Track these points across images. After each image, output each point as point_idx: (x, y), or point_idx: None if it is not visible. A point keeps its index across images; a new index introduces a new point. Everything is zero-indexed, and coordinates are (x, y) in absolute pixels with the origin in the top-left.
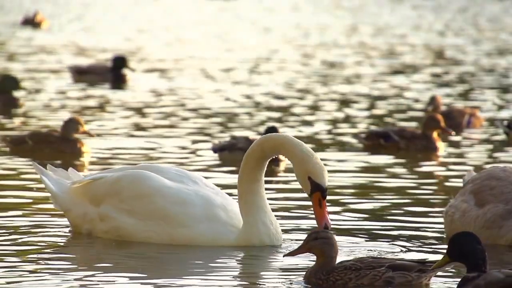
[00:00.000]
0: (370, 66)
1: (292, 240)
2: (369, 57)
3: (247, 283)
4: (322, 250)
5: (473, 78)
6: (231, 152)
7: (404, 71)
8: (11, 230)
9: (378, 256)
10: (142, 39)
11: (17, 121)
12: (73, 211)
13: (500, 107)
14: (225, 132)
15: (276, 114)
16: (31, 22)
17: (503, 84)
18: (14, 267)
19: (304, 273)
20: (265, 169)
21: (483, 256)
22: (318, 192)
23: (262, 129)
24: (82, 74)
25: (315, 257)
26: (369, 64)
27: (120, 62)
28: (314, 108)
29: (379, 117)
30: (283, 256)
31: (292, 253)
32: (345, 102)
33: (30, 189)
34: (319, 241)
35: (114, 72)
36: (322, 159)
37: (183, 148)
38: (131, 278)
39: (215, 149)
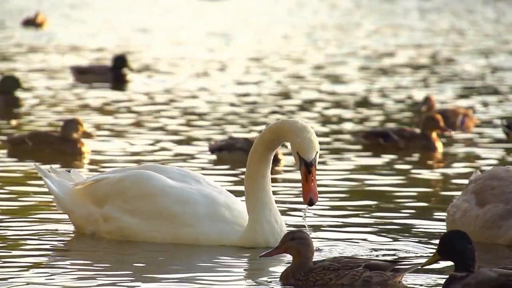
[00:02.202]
0: (365, 66)
1: None
2: (363, 57)
3: (244, 282)
4: (298, 250)
5: (466, 77)
6: (230, 152)
7: (397, 71)
8: (13, 231)
9: (350, 255)
10: (139, 39)
11: (14, 121)
12: (77, 212)
13: (493, 107)
14: (221, 132)
15: (273, 114)
16: (32, 23)
17: (495, 84)
18: (17, 268)
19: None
20: (270, 164)
21: (473, 256)
22: (305, 167)
23: (259, 128)
24: (82, 74)
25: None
26: (364, 64)
27: (120, 61)
28: (312, 107)
29: (374, 117)
30: (260, 256)
31: (268, 254)
32: (342, 102)
33: (31, 190)
34: (296, 242)
35: (115, 72)
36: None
37: (182, 148)
38: (134, 278)
39: (213, 150)
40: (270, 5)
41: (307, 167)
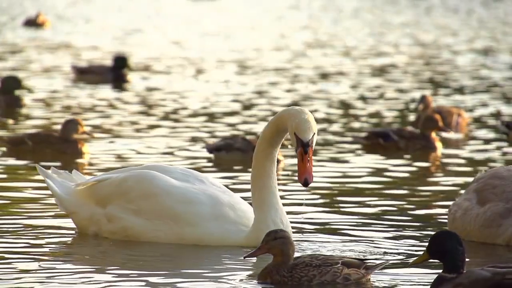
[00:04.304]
0: (362, 65)
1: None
2: (359, 56)
3: (247, 282)
4: (281, 249)
5: (457, 77)
6: (228, 153)
7: (394, 71)
8: (14, 232)
9: (324, 253)
10: (134, 39)
11: (14, 121)
12: (79, 213)
13: (491, 107)
14: (219, 132)
15: (270, 114)
16: (33, 23)
17: (485, 84)
18: (18, 268)
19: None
20: (276, 163)
21: (463, 258)
22: (301, 147)
23: (257, 127)
24: (83, 74)
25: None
26: (361, 63)
27: (121, 61)
28: (310, 107)
29: (370, 117)
30: (244, 257)
31: (252, 254)
32: (341, 102)
33: (31, 190)
34: (279, 241)
35: (115, 72)
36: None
37: (180, 148)
38: (136, 278)
39: (211, 149)
40: (264, 4)
41: (303, 147)
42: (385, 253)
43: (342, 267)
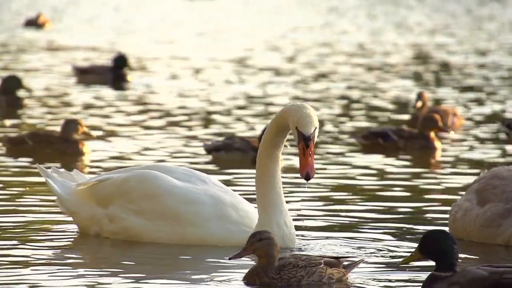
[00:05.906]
0: (359, 65)
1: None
2: (356, 56)
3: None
4: (266, 250)
5: (449, 77)
6: (227, 153)
7: (391, 70)
8: (14, 232)
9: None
10: (132, 39)
11: (15, 121)
12: (81, 213)
13: (491, 107)
14: (216, 132)
15: (268, 113)
16: (34, 24)
17: (481, 83)
18: (18, 269)
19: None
20: (279, 163)
21: (458, 256)
22: (303, 141)
23: (253, 127)
24: (84, 74)
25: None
26: (358, 62)
27: (121, 61)
28: None
29: (368, 117)
30: (229, 258)
31: (237, 255)
32: (336, 102)
33: (31, 190)
34: (263, 242)
35: (115, 72)
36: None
37: (179, 148)
38: (138, 278)
39: (209, 149)
40: (261, 4)
41: (305, 141)
42: (385, 253)
43: (326, 267)
